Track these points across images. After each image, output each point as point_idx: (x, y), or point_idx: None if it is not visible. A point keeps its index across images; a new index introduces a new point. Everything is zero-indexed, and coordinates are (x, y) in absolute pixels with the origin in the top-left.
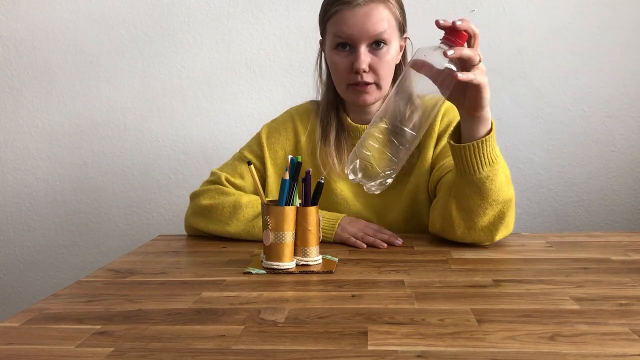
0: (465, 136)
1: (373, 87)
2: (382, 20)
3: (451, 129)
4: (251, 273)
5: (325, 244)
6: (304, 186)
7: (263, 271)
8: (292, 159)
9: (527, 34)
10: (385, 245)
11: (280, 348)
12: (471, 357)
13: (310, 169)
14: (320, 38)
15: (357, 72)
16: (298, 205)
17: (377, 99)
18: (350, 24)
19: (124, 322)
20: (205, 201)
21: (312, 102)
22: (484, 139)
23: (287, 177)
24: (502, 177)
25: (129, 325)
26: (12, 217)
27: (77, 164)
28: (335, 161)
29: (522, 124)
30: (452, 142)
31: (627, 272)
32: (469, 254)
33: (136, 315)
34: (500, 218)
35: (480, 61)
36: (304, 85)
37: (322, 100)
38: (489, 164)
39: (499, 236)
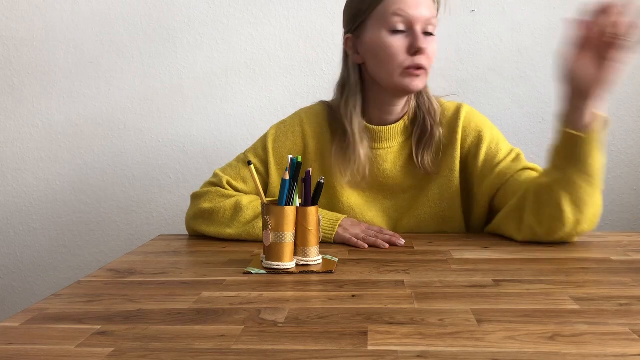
0: (577, 125)
1: (424, 72)
2: (433, 7)
3: (471, 137)
4: (251, 273)
5: (325, 244)
6: (304, 186)
7: (263, 271)
8: (292, 159)
9: (527, 34)
10: (387, 245)
11: (280, 348)
12: (471, 357)
13: (311, 169)
14: (348, 34)
15: (418, 52)
16: (298, 205)
17: (423, 86)
18: (411, 4)
19: (124, 322)
20: (205, 204)
21: (321, 103)
22: (602, 126)
23: (287, 177)
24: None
25: (129, 325)
26: (12, 217)
27: (77, 164)
28: (343, 170)
29: (522, 124)
30: (573, 131)
31: (627, 272)
32: (469, 254)
33: (136, 315)
34: (600, 202)
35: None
36: (303, 85)
37: (340, 101)
38: (602, 152)
39: (595, 224)
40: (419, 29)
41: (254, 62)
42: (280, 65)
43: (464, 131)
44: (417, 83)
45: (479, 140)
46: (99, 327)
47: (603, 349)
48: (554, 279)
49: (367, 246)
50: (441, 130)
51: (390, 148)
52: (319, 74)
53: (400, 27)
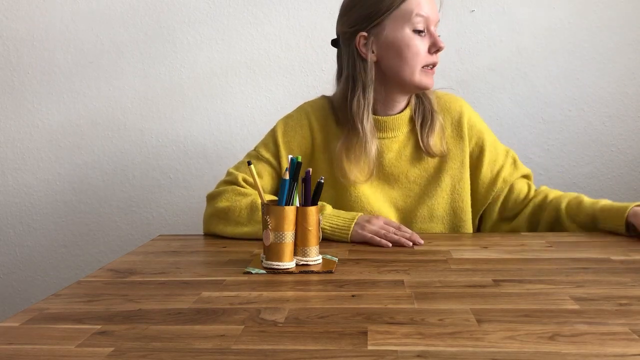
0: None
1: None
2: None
3: (474, 139)
4: (251, 273)
5: (325, 242)
6: (304, 186)
7: (263, 271)
8: (292, 159)
9: (527, 34)
10: (411, 243)
11: (280, 348)
12: (471, 357)
13: (310, 169)
14: (362, 32)
15: (438, 51)
16: (298, 205)
17: None
18: (430, 6)
19: (124, 322)
20: (222, 203)
21: (324, 97)
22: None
23: (287, 177)
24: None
25: (129, 325)
26: (12, 217)
27: (77, 164)
28: (351, 166)
29: (522, 124)
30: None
31: (627, 272)
32: (468, 254)
33: (136, 315)
34: None
35: None
36: (303, 85)
37: (351, 98)
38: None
39: None
40: (434, 29)
41: (254, 62)
42: (280, 65)
43: (469, 129)
44: (432, 80)
45: (481, 147)
46: (99, 327)
47: (603, 349)
48: (554, 279)
49: (390, 245)
50: (441, 118)
51: (395, 137)
52: (318, 74)
53: (421, 27)
